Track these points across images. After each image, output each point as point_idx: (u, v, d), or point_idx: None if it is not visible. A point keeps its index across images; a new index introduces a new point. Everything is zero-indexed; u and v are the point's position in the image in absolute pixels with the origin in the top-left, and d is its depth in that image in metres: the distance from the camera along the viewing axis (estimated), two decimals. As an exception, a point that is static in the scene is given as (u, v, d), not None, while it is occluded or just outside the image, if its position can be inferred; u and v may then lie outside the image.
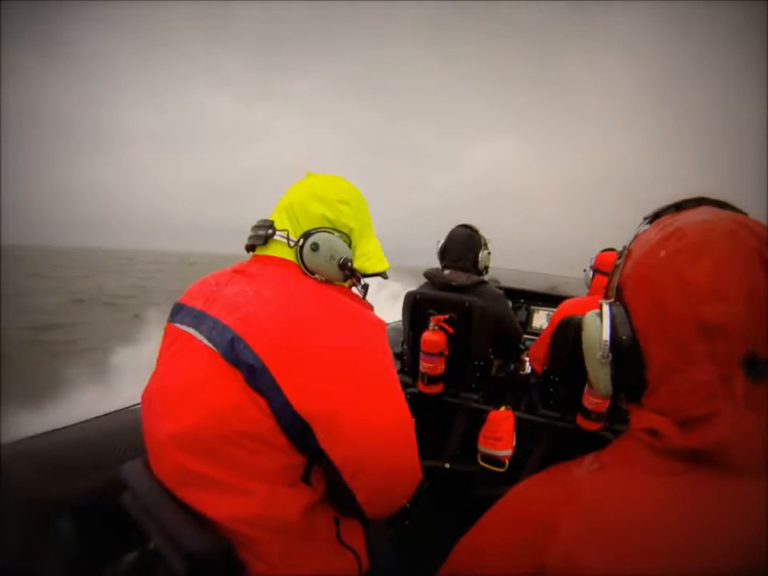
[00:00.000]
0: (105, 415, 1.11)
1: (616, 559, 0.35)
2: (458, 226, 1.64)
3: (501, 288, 2.16)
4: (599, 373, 0.45)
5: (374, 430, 0.62)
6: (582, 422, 1.45)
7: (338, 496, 0.65)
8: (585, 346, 0.47)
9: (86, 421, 1.07)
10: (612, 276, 0.47)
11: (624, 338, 0.42)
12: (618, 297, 0.45)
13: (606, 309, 0.44)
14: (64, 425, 1.03)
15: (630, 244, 0.47)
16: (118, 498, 0.69)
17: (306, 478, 0.64)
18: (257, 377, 0.59)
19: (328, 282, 0.75)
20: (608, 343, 0.43)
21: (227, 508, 0.60)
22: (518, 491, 0.45)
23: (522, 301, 2.27)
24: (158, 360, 0.74)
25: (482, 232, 1.63)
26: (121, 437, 1.01)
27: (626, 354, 0.42)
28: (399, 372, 1.77)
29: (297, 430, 0.59)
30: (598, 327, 0.44)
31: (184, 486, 0.63)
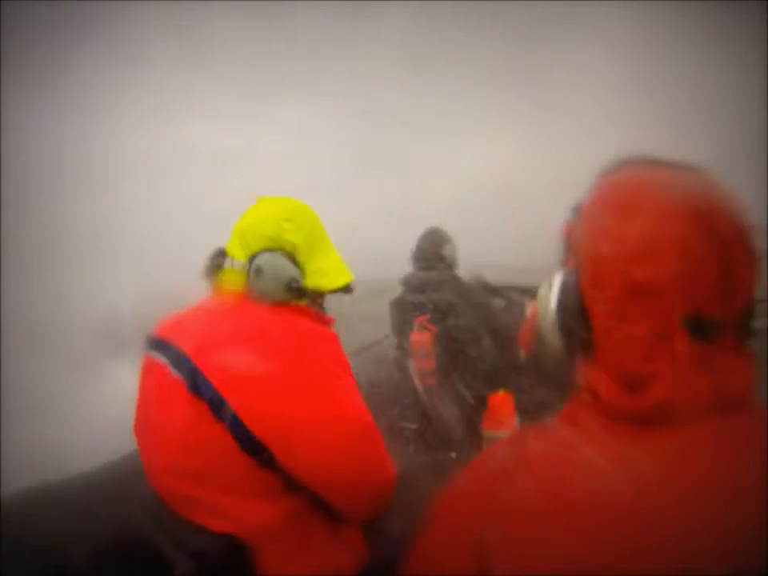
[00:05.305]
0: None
1: (555, 524, 0.34)
2: (425, 230, 1.76)
3: (488, 284, 2.20)
4: (552, 343, 0.44)
5: (330, 445, 0.66)
6: (576, 392, 1.47)
7: (322, 503, 0.69)
8: (538, 315, 0.46)
9: (112, 462, 1.11)
10: (568, 238, 0.46)
11: (570, 307, 0.41)
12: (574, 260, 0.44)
13: (556, 277, 0.43)
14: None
15: (581, 202, 0.45)
16: (143, 531, 0.72)
17: (290, 487, 0.67)
18: (218, 408, 0.64)
19: (279, 304, 0.76)
20: (554, 314, 0.42)
21: (219, 528, 0.65)
22: (468, 471, 0.45)
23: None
24: (138, 392, 0.79)
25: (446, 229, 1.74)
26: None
27: (572, 324, 0.42)
28: None
29: (260, 454, 0.64)
30: (547, 297, 0.43)
31: (179, 508, 0.68)
